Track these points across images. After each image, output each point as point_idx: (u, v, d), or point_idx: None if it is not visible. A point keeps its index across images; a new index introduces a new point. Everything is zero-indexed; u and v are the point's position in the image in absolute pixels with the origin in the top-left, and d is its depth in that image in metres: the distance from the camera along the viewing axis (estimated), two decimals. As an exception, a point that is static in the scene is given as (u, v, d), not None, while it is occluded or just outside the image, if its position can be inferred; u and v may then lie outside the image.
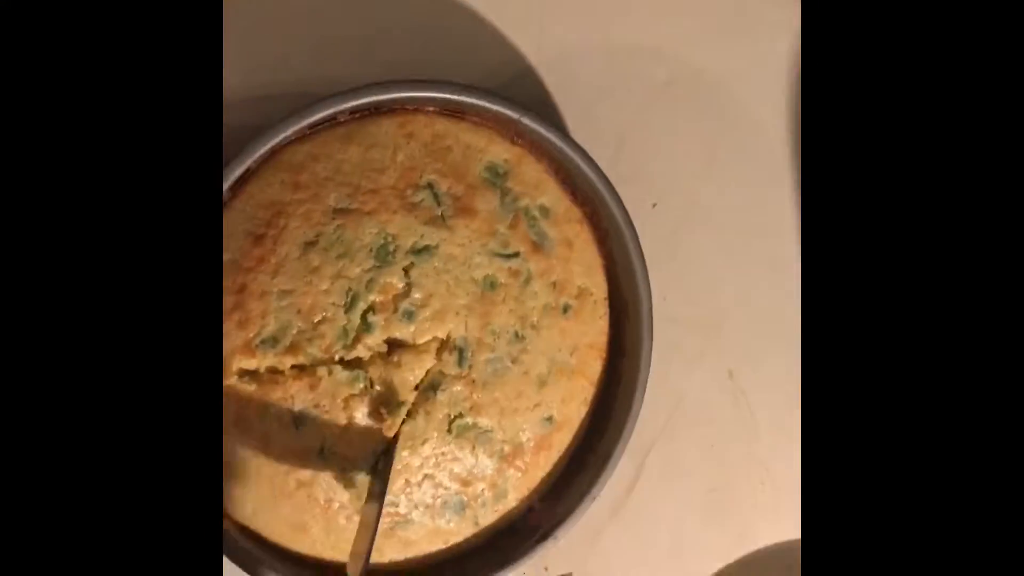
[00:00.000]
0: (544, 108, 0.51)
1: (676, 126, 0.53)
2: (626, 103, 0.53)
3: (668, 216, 0.54)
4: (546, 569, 0.54)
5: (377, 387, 0.44)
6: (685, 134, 0.53)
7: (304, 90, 0.46)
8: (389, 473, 0.42)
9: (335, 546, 0.46)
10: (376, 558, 0.47)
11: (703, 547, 0.55)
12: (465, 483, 0.47)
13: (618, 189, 0.48)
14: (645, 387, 0.51)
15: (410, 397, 0.45)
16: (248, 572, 0.43)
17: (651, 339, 0.51)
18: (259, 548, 0.44)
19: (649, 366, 0.51)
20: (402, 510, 0.46)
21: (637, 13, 0.53)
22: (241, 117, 0.45)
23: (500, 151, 0.48)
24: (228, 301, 0.43)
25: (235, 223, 0.43)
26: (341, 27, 0.48)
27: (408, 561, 0.48)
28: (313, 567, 0.46)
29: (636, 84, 0.53)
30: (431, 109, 0.47)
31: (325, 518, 0.45)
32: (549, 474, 0.51)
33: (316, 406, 0.43)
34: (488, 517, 0.49)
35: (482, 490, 0.48)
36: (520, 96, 0.48)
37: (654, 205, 0.53)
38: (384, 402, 0.45)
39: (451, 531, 0.48)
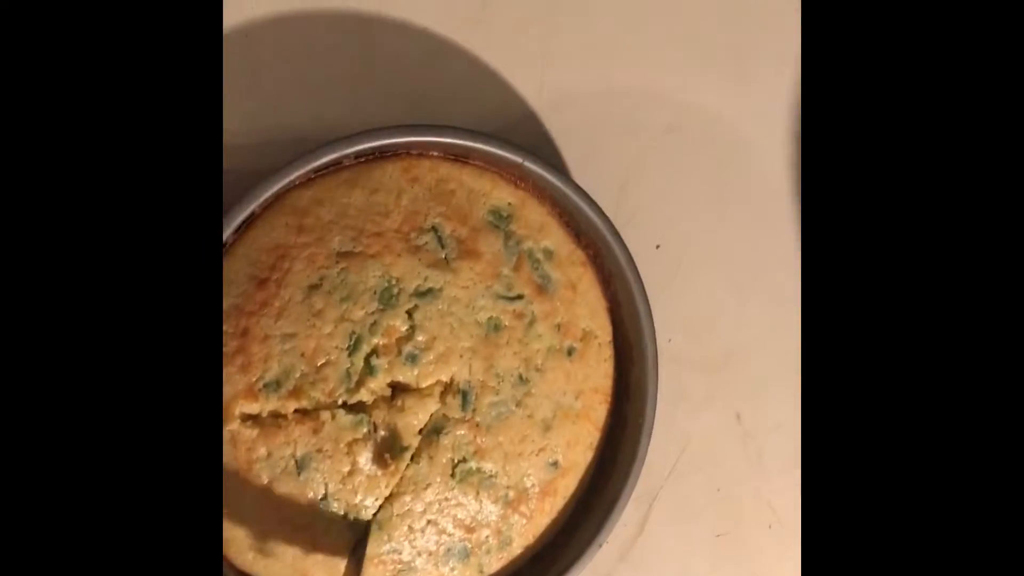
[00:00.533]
0: (546, 152, 0.52)
1: (678, 168, 0.54)
2: (628, 146, 0.54)
3: (671, 257, 0.54)
4: None
5: (381, 431, 0.44)
6: (687, 176, 0.54)
7: (304, 135, 0.47)
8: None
9: (339, 595, 0.45)
10: (379, 608, 0.46)
11: (712, 592, 0.54)
12: (469, 529, 0.47)
13: (621, 231, 0.48)
14: (651, 432, 0.51)
15: (414, 442, 0.45)
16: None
17: (656, 383, 0.51)
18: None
19: (655, 410, 0.51)
20: (405, 557, 0.46)
21: (637, 56, 0.54)
22: (243, 161, 0.46)
23: (504, 195, 0.48)
24: (231, 345, 0.43)
25: (238, 267, 0.44)
26: (340, 70, 0.49)
27: (412, 611, 0.47)
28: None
29: (638, 127, 0.54)
30: (435, 154, 0.47)
31: (328, 566, 0.44)
32: (555, 521, 0.50)
33: (319, 451, 0.43)
34: (493, 565, 0.49)
35: (486, 537, 0.48)
36: (522, 140, 0.48)
37: (657, 246, 0.54)
38: (388, 447, 0.44)
39: (455, 579, 0.48)
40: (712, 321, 0.55)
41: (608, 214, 0.48)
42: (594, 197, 0.48)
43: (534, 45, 0.52)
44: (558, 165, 0.52)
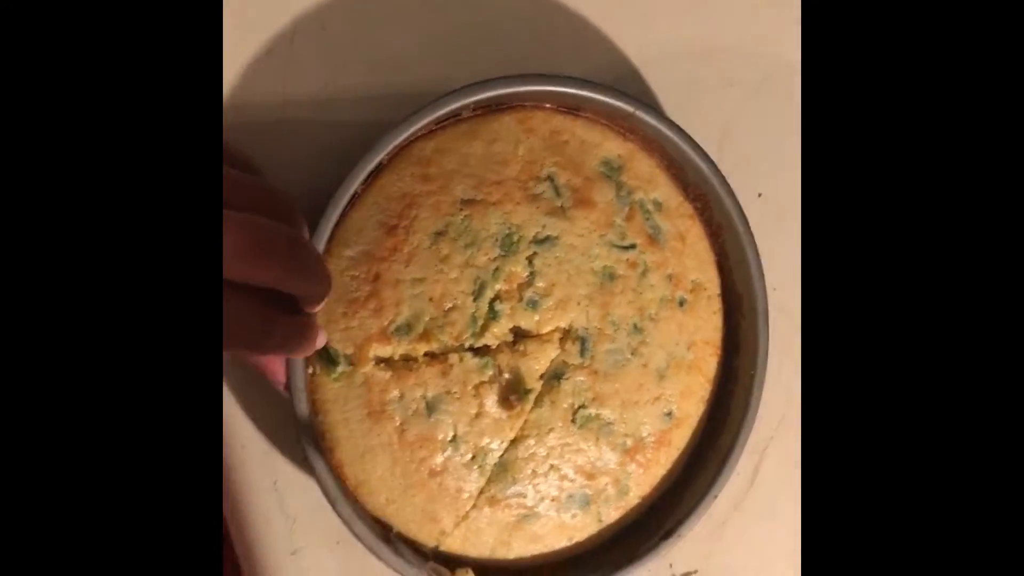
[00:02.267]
0: (651, 100, 0.53)
1: (779, 117, 0.55)
2: (727, 98, 0.55)
3: (774, 206, 0.55)
4: (671, 566, 0.54)
5: (505, 375, 0.46)
6: (788, 124, 0.55)
7: (421, 89, 0.49)
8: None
9: (465, 538, 0.47)
10: (503, 553, 0.48)
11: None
12: (590, 476, 0.48)
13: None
14: (763, 385, 0.52)
15: (536, 385, 0.47)
16: (381, 559, 0.44)
17: (767, 336, 0.52)
18: (391, 539, 0.45)
19: (766, 363, 0.52)
20: (529, 502, 0.47)
21: (734, 11, 0.55)
22: (366, 114, 0.48)
23: (614, 147, 0.50)
24: (363, 290, 0.45)
25: (368, 215, 0.46)
26: (448, 27, 0.52)
27: (534, 558, 0.49)
28: (443, 560, 0.47)
29: (736, 79, 0.55)
30: (548, 106, 0.49)
31: (455, 508, 0.46)
32: (669, 472, 0.52)
33: (448, 392, 0.45)
34: (611, 514, 0.50)
35: (606, 484, 0.49)
36: (629, 88, 0.50)
37: (759, 195, 0.55)
38: (512, 390, 0.46)
39: (576, 526, 0.49)
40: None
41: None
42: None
43: (636, 2, 0.54)
44: (659, 106, 0.54)
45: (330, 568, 0.49)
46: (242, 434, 0.49)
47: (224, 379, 0.49)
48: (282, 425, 0.47)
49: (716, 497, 0.51)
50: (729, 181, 0.51)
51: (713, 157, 0.51)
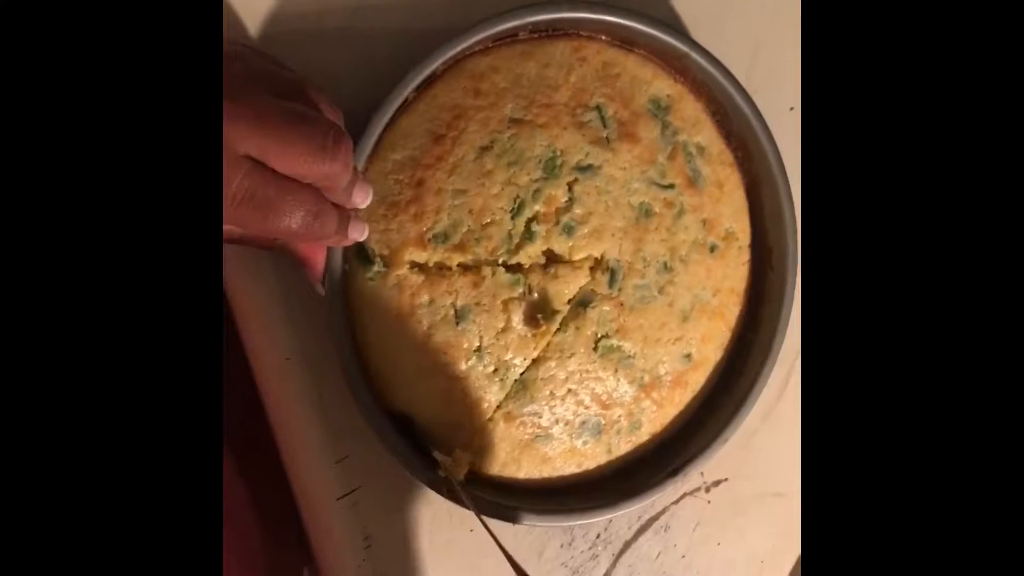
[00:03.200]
0: (676, 22, 0.54)
1: None
2: (757, 12, 0.55)
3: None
4: (702, 474, 0.56)
5: (534, 294, 0.47)
6: None
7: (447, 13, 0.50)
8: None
9: (478, 450, 0.48)
10: (513, 471, 0.50)
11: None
12: (605, 406, 0.50)
13: (755, 96, 0.50)
14: (784, 339, 0.53)
15: (564, 308, 0.48)
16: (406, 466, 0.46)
17: (794, 290, 0.53)
18: (414, 439, 0.47)
19: (790, 315, 0.53)
20: (543, 423, 0.49)
21: None
22: (427, 21, 0.49)
23: (664, 86, 0.51)
24: (405, 195, 0.46)
25: (418, 122, 0.47)
26: None
27: (543, 480, 0.51)
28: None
29: None
30: (603, 38, 0.50)
31: (473, 417, 0.47)
32: (681, 413, 0.53)
33: (477, 304, 0.47)
34: (621, 447, 0.52)
35: (619, 416, 0.51)
36: (652, 10, 0.50)
37: (791, 108, 0.56)
38: (540, 309, 0.48)
39: (586, 454, 0.51)
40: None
41: (741, 77, 0.50)
42: (727, 62, 0.50)
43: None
44: (686, 34, 0.54)
45: (376, 474, 0.50)
46: (285, 347, 0.50)
47: (268, 289, 0.49)
48: (325, 338, 0.48)
49: (727, 441, 0.52)
50: (760, 95, 0.51)
51: (745, 68, 0.52)
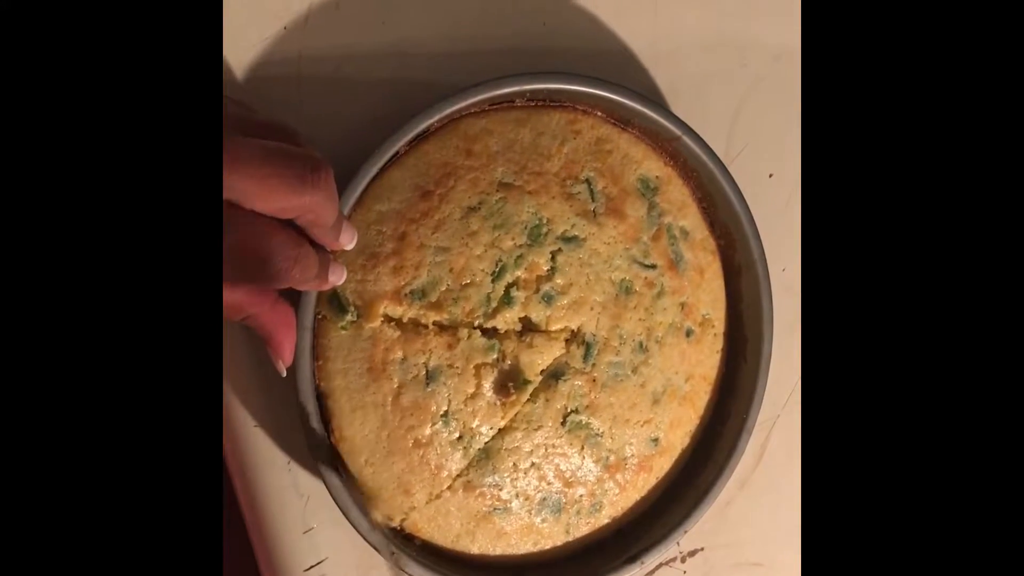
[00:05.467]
0: (655, 93, 0.55)
1: (789, 96, 0.57)
2: (737, 78, 0.57)
3: (785, 185, 0.57)
4: (678, 544, 0.55)
5: (507, 361, 0.47)
6: (796, 107, 0.58)
7: (430, 77, 0.51)
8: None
9: (432, 519, 0.48)
10: (467, 545, 0.49)
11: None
12: (567, 483, 0.50)
13: (733, 162, 0.51)
14: (752, 431, 0.54)
15: (536, 379, 0.48)
16: (350, 520, 0.45)
17: (766, 383, 0.54)
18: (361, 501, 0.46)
19: (759, 410, 0.54)
20: (504, 495, 0.48)
21: (739, 5, 0.57)
22: (413, 73, 0.50)
23: (654, 167, 0.53)
24: (387, 246, 0.47)
25: (406, 176, 0.48)
26: (455, 13, 0.53)
27: (497, 557, 0.50)
28: (402, 537, 0.48)
29: (746, 58, 0.57)
30: (599, 113, 0.52)
31: (431, 485, 0.47)
32: (644, 498, 0.53)
33: (450, 366, 0.46)
34: (580, 528, 0.51)
35: (581, 495, 0.50)
36: (632, 81, 0.52)
37: (771, 175, 0.58)
38: (511, 378, 0.48)
39: (543, 532, 0.50)
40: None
41: (720, 145, 0.51)
42: (706, 126, 0.51)
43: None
44: (664, 105, 0.55)
45: (344, 546, 0.50)
46: (256, 414, 0.50)
47: (237, 357, 0.49)
48: (295, 403, 0.47)
49: (686, 532, 0.52)
50: (738, 161, 0.53)
51: (724, 135, 0.53)
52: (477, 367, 0.46)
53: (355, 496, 0.45)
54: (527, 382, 0.47)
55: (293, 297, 0.44)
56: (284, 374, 0.44)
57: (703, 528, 0.53)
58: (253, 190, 0.35)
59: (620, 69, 0.53)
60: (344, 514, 0.45)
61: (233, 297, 0.41)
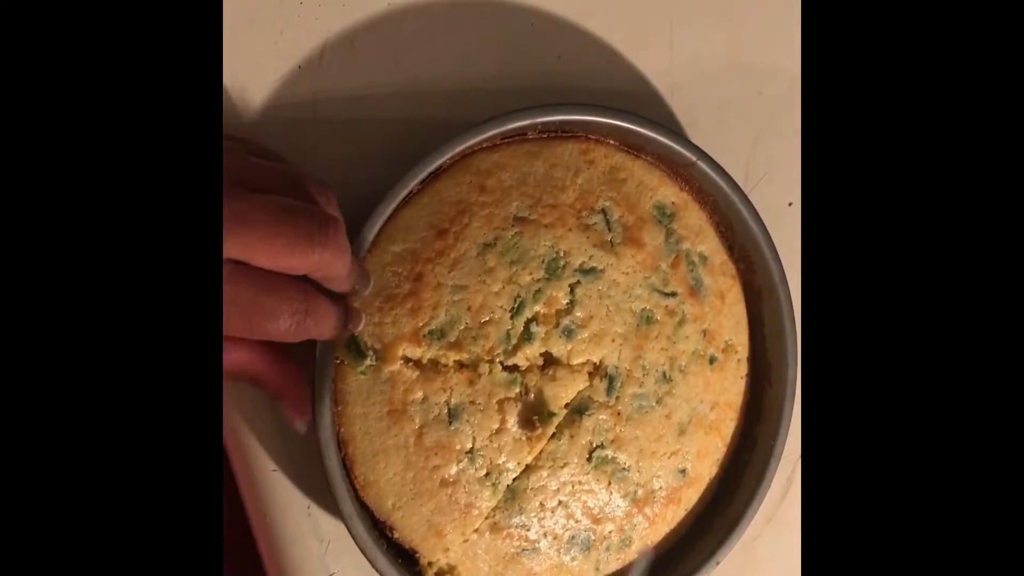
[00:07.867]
0: (674, 123, 0.56)
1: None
2: (755, 109, 0.58)
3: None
4: None
5: (531, 395, 0.48)
6: None
7: (447, 112, 0.52)
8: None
9: (461, 562, 0.48)
10: (496, 586, 0.49)
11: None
12: (595, 520, 0.50)
13: (752, 190, 0.52)
14: (780, 457, 0.54)
15: (560, 412, 0.48)
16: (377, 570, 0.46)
17: (792, 408, 0.54)
18: (391, 549, 0.47)
19: (787, 436, 0.54)
20: (531, 535, 0.48)
21: (758, 30, 0.58)
22: (427, 112, 0.51)
23: (669, 193, 0.53)
24: (403, 288, 0.47)
25: (420, 215, 0.48)
26: (470, 44, 0.54)
27: (525, 597, 0.50)
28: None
29: (763, 83, 0.57)
30: (612, 142, 0.52)
31: (464, 524, 0.47)
32: (673, 531, 0.53)
33: (472, 402, 0.47)
34: (610, 564, 0.51)
35: (610, 532, 0.50)
36: (651, 111, 0.52)
37: (790, 204, 0.58)
38: (536, 411, 0.48)
39: (573, 571, 0.50)
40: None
41: (740, 174, 0.51)
42: (725, 155, 0.51)
43: (663, 21, 0.57)
44: (681, 132, 0.56)
45: None
46: (274, 457, 0.50)
47: (254, 399, 0.49)
48: (314, 448, 0.47)
49: (718, 563, 0.52)
50: (758, 190, 0.53)
51: (743, 163, 0.54)
52: (500, 402, 0.47)
53: (380, 544, 0.46)
54: (552, 414, 0.47)
55: (310, 345, 0.44)
56: (303, 431, 0.44)
57: (729, 565, 0.53)
58: (261, 247, 0.36)
59: (638, 99, 0.54)
60: (372, 563, 0.45)
61: (239, 355, 0.41)
